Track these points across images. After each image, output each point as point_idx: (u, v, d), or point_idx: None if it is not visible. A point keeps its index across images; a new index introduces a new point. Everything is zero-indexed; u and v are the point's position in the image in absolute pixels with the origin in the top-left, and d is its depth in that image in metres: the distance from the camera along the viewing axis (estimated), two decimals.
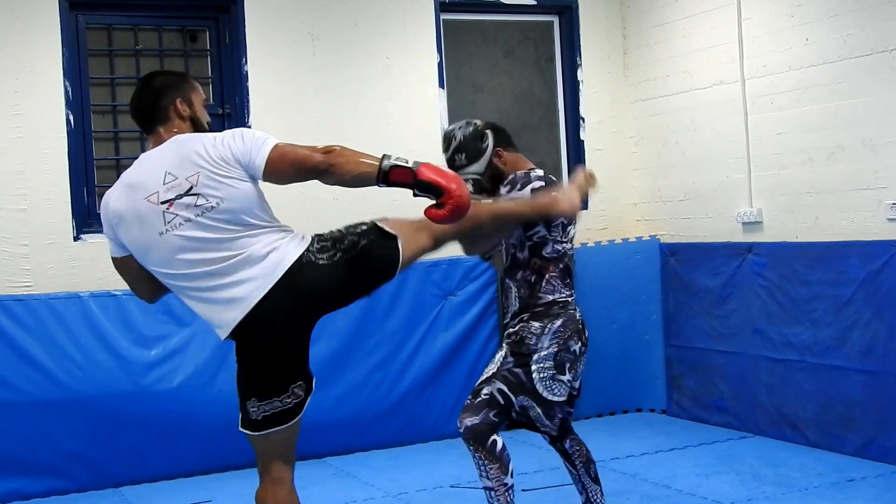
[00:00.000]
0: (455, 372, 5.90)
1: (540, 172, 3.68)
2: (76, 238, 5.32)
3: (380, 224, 3.08)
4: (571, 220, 3.67)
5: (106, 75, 5.59)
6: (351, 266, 2.94)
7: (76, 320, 5.16)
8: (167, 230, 2.84)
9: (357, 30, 5.94)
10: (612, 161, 6.58)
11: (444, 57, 6.18)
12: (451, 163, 3.69)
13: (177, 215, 2.83)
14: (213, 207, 2.82)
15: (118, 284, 5.28)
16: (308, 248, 2.92)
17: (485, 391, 3.57)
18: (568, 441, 3.82)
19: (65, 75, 5.31)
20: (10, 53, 5.22)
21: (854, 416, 5.03)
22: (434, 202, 2.93)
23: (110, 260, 5.68)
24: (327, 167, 2.88)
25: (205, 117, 3.07)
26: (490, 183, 3.71)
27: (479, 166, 3.68)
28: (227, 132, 2.91)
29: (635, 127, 6.58)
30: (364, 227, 3.06)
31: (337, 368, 5.62)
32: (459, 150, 3.69)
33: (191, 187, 2.83)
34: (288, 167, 2.86)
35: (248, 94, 5.66)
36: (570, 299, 3.65)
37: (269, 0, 5.72)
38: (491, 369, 3.61)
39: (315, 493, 4.93)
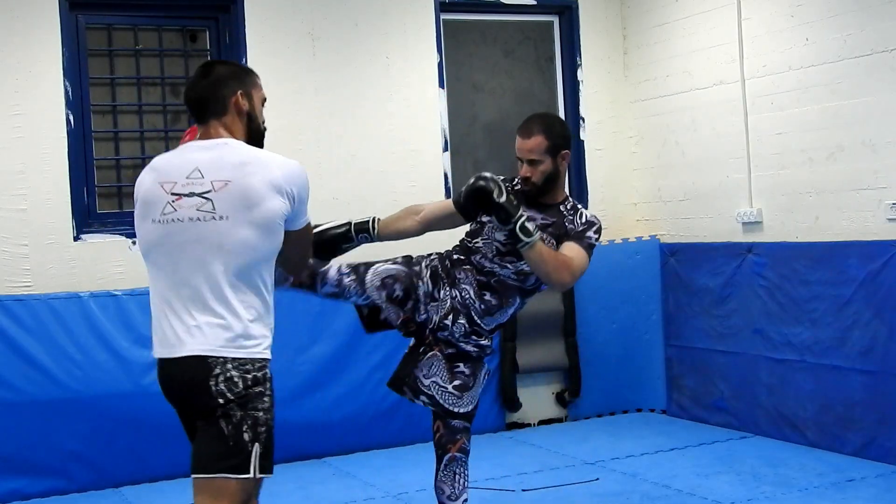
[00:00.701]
0: None
1: (596, 221, 3.58)
2: (76, 238, 5.32)
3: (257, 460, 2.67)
4: None
5: (106, 75, 5.59)
6: (227, 423, 2.65)
7: (76, 320, 5.15)
8: (160, 220, 2.72)
9: (357, 30, 5.94)
10: (612, 161, 6.58)
11: (444, 57, 6.17)
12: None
13: (175, 211, 2.70)
14: (213, 219, 2.67)
15: (118, 284, 5.33)
16: (240, 362, 2.65)
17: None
18: None
19: (65, 75, 5.30)
20: (10, 53, 5.21)
21: (854, 416, 5.03)
22: None
23: (111, 260, 5.70)
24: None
25: (262, 116, 2.91)
26: (543, 181, 3.53)
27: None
28: (297, 179, 2.75)
29: (635, 127, 6.58)
30: (262, 442, 2.68)
31: (337, 368, 5.62)
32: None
33: (209, 191, 2.69)
34: (298, 241, 2.87)
35: None
36: None
37: (269, 0, 5.72)
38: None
39: (315, 493, 4.93)
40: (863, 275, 4.95)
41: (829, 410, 5.16)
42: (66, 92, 5.31)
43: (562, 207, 3.58)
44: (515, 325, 5.91)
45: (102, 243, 5.37)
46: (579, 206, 3.64)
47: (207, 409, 2.68)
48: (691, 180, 6.11)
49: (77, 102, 5.36)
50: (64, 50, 5.30)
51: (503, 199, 3.26)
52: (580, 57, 6.52)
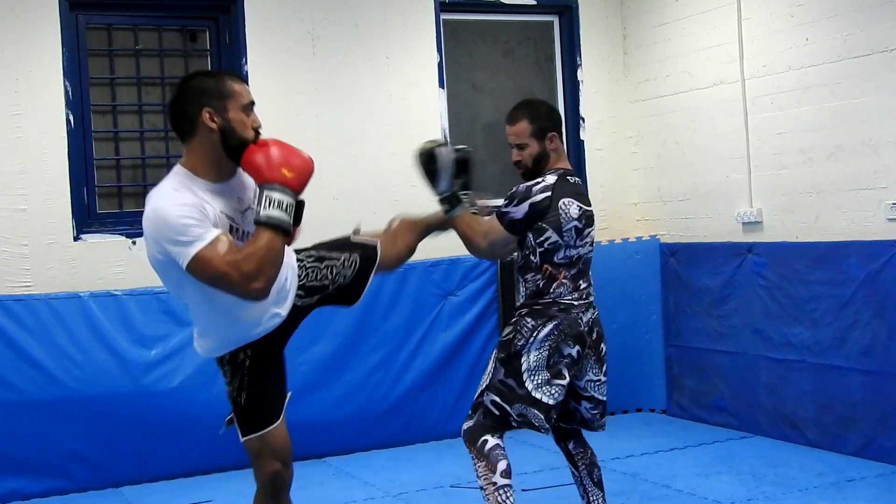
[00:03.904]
0: (455, 372, 5.90)
1: (550, 181, 3.57)
2: (76, 238, 5.32)
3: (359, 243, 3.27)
4: (588, 223, 3.63)
5: (106, 75, 5.59)
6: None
7: (76, 320, 5.15)
8: None
9: (357, 30, 5.94)
10: (612, 161, 6.59)
11: (444, 57, 6.17)
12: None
13: None
14: None
15: (118, 284, 5.33)
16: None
17: (481, 401, 3.59)
18: (572, 442, 3.82)
19: (65, 75, 5.30)
20: (10, 53, 5.21)
21: (854, 416, 5.03)
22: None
23: (111, 260, 5.70)
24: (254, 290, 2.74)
25: (244, 129, 2.78)
26: (533, 163, 3.66)
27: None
28: (158, 230, 2.70)
29: (635, 127, 6.58)
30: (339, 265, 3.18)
31: (337, 368, 5.62)
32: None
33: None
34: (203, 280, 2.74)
35: None
36: (576, 302, 3.60)
37: (269, 0, 5.72)
38: (485, 380, 3.61)
39: (315, 493, 4.93)
40: (863, 275, 4.95)
41: (829, 410, 5.16)
42: (66, 92, 5.31)
43: (515, 188, 3.66)
44: None
45: (102, 243, 5.37)
46: (542, 179, 3.60)
47: None
48: (691, 180, 6.11)
49: (77, 102, 5.36)
50: (64, 50, 5.30)
51: (444, 163, 3.60)
52: (580, 57, 6.52)
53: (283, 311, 3.04)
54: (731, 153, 5.77)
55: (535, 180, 3.61)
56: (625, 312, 6.30)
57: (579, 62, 6.53)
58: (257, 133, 2.83)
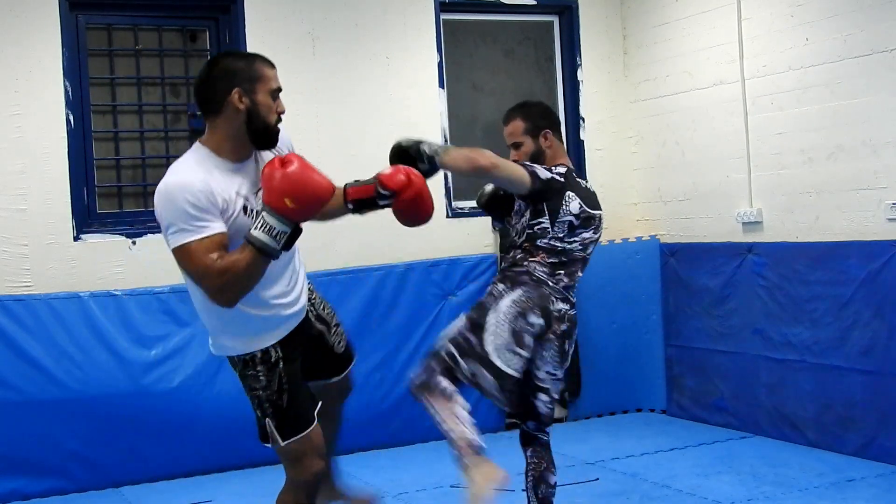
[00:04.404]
0: None
1: (562, 170, 3.61)
2: (76, 238, 5.32)
3: None
4: (584, 224, 3.64)
5: (106, 75, 5.59)
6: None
7: (76, 320, 5.15)
8: None
9: (357, 30, 5.94)
10: (612, 161, 6.58)
11: (444, 57, 6.17)
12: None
13: None
14: None
15: (118, 284, 5.33)
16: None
17: (436, 350, 3.51)
18: (530, 450, 3.75)
19: (65, 75, 5.30)
20: (10, 53, 5.21)
21: (854, 416, 5.03)
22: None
23: (111, 260, 5.69)
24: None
25: (270, 113, 2.87)
26: (529, 160, 3.66)
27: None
28: (163, 205, 2.75)
29: (635, 127, 6.58)
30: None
31: None
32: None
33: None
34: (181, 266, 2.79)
35: None
36: (550, 283, 3.54)
37: (269, 0, 5.72)
38: (446, 332, 3.53)
39: None
40: (863, 275, 4.95)
41: (829, 410, 5.16)
42: (66, 92, 5.31)
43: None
44: None
45: (102, 243, 5.37)
46: (556, 167, 3.63)
47: None
48: (691, 180, 6.11)
49: (77, 102, 5.36)
50: (64, 50, 5.30)
51: (413, 146, 3.64)
52: (580, 57, 6.52)
53: (303, 298, 3.07)
54: (731, 153, 5.77)
55: (553, 166, 3.63)
56: (625, 312, 6.30)
57: (579, 62, 6.53)
58: (279, 118, 2.93)
